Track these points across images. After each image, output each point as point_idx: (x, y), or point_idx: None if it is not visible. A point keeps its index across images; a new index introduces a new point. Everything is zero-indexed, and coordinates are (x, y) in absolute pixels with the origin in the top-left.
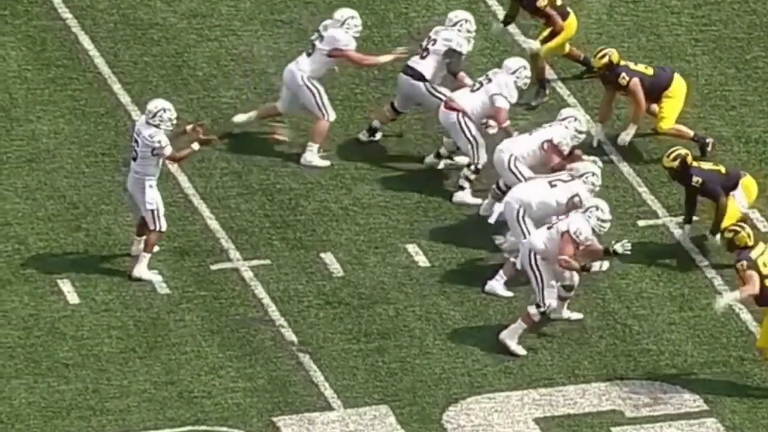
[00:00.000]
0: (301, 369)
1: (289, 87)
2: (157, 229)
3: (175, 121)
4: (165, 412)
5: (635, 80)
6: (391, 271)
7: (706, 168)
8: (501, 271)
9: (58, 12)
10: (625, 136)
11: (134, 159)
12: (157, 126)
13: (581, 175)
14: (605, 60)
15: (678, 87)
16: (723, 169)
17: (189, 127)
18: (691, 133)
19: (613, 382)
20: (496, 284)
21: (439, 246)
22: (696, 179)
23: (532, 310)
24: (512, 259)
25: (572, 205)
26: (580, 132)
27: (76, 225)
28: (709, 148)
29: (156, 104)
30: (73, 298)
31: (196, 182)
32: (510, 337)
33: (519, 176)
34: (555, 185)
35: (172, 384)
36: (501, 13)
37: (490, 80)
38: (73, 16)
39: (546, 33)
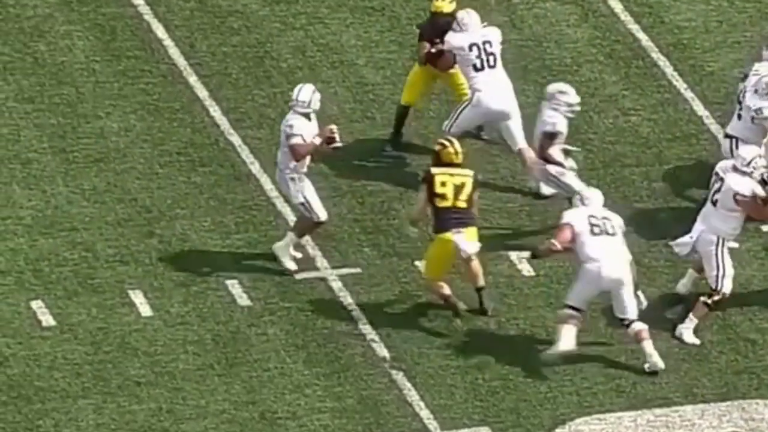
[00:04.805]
0: (394, 387)
1: None
2: None
3: None
4: None
5: None
6: (492, 280)
7: None
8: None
9: None
10: None
11: None
12: None
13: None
14: None
15: None
16: None
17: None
18: None
19: (734, 401)
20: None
21: None
22: None
23: (705, 298)
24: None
25: None
26: None
27: (149, 230)
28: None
29: None
30: (145, 310)
31: None
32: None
33: None
34: None
35: (254, 404)
36: (618, 5)
37: (740, 117)
38: (145, 3)
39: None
